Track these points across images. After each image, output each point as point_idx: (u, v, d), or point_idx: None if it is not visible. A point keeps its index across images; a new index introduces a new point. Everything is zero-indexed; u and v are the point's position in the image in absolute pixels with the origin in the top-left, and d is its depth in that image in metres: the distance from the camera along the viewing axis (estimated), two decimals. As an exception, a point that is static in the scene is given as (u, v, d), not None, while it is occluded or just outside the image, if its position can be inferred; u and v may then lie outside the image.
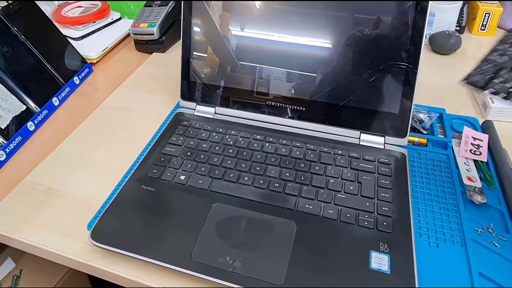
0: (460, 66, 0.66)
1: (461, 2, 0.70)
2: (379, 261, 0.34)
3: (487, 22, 0.73)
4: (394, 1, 0.43)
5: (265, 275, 0.33)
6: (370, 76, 0.46)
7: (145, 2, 0.74)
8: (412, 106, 0.45)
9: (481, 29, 0.74)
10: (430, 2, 0.43)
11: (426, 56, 0.69)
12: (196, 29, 0.51)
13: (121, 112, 0.58)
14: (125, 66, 0.69)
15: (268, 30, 0.49)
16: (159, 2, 0.73)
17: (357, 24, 0.45)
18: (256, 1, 0.48)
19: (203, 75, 0.52)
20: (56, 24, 0.68)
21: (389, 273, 0.33)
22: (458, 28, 0.74)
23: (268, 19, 0.49)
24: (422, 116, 0.52)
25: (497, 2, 0.73)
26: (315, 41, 0.47)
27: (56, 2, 0.80)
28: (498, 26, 0.74)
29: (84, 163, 0.49)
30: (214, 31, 0.51)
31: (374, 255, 0.35)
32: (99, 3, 0.78)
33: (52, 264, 0.42)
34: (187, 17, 0.51)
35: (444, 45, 0.67)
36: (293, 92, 0.49)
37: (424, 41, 0.70)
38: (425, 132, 0.51)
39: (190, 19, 0.51)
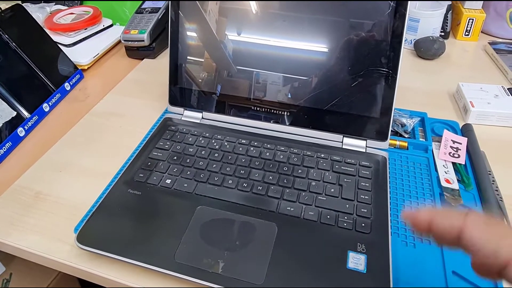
0: (444, 70, 0.68)
1: (445, 7, 0.71)
2: (356, 261, 0.35)
3: (471, 27, 0.75)
4: (375, 1, 0.45)
5: (246, 276, 0.34)
6: (353, 81, 0.47)
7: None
8: (393, 110, 0.46)
9: (465, 35, 0.76)
10: (410, 8, 0.45)
11: (411, 61, 0.70)
12: (185, 34, 0.53)
13: (111, 117, 0.59)
14: (116, 72, 0.70)
15: (256, 34, 0.50)
16: (149, 9, 0.75)
17: (339, 30, 0.47)
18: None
19: (190, 81, 0.53)
20: (48, 31, 0.69)
21: (364, 272, 0.34)
22: (443, 34, 0.75)
23: (252, 23, 0.50)
24: (404, 120, 0.53)
25: (480, 8, 0.75)
26: (297, 46, 0.49)
27: (48, 9, 0.82)
28: (482, 31, 0.76)
29: (73, 168, 0.50)
30: (205, 37, 0.52)
31: (352, 255, 0.36)
32: (91, 9, 0.79)
33: (41, 268, 0.43)
34: (175, 24, 0.52)
35: (428, 50, 0.69)
36: (278, 97, 0.50)
37: (408, 46, 0.73)
38: (407, 135, 0.52)
39: (177, 26, 0.52)
